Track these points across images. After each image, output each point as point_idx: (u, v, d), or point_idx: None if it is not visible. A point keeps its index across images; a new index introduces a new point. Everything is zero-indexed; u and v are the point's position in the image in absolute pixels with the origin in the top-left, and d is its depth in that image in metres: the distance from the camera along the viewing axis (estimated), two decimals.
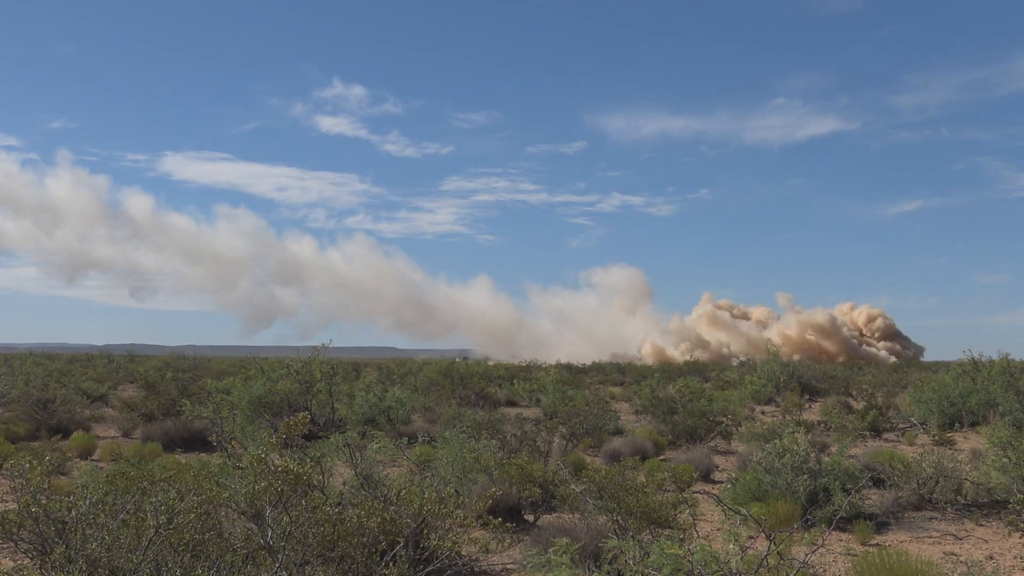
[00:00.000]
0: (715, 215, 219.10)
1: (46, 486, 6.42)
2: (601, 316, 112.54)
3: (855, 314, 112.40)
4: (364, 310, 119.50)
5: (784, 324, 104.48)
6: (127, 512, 5.88)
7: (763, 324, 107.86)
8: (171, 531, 5.55)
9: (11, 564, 6.93)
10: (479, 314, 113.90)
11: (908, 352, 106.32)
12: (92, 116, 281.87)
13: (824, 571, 8.14)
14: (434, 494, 6.84)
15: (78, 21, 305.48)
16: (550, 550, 6.04)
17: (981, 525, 10.11)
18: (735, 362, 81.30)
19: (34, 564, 5.91)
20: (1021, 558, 8.57)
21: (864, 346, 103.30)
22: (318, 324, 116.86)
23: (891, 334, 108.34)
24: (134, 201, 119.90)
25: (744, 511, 6.73)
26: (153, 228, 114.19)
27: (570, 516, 9.40)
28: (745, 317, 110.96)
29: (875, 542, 9.17)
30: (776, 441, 10.76)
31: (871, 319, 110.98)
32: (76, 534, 5.71)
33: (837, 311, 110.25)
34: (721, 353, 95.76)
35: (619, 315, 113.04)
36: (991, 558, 8.56)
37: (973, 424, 19.60)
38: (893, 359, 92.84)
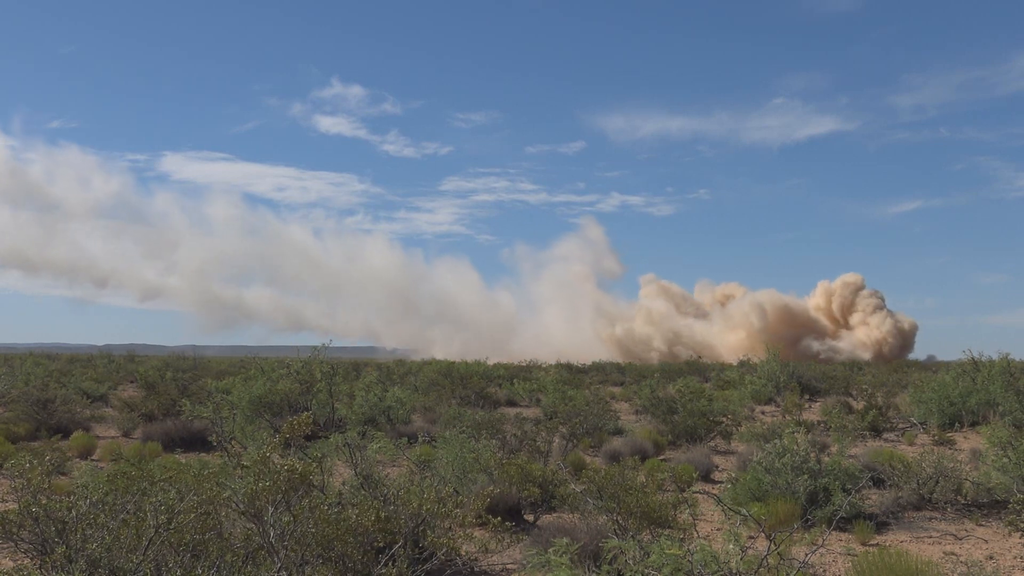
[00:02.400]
0: (714, 215, 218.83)
1: (46, 486, 6.42)
2: (560, 302, 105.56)
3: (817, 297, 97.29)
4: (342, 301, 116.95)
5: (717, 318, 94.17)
6: (127, 512, 5.88)
7: (704, 315, 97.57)
8: (171, 531, 5.55)
9: (11, 564, 6.94)
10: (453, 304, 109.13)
11: (886, 321, 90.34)
12: (91, 116, 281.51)
13: (824, 571, 8.14)
14: (433, 494, 6.85)
15: (77, 21, 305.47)
16: (550, 550, 6.04)
17: (981, 525, 10.11)
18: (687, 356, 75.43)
19: (34, 564, 5.91)
20: (1021, 558, 8.57)
21: (817, 339, 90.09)
22: (283, 325, 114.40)
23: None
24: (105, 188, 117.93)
25: (744, 511, 6.73)
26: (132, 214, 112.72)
27: (570, 516, 9.40)
28: (698, 311, 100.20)
29: (875, 542, 9.17)
30: (776, 441, 10.76)
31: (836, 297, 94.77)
32: (76, 534, 5.72)
33: (766, 296, 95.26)
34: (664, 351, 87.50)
35: (579, 290, 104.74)
36: (991, 558, 8.56)
37: (973, 424, 19.60)
38: (865, 356, 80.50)
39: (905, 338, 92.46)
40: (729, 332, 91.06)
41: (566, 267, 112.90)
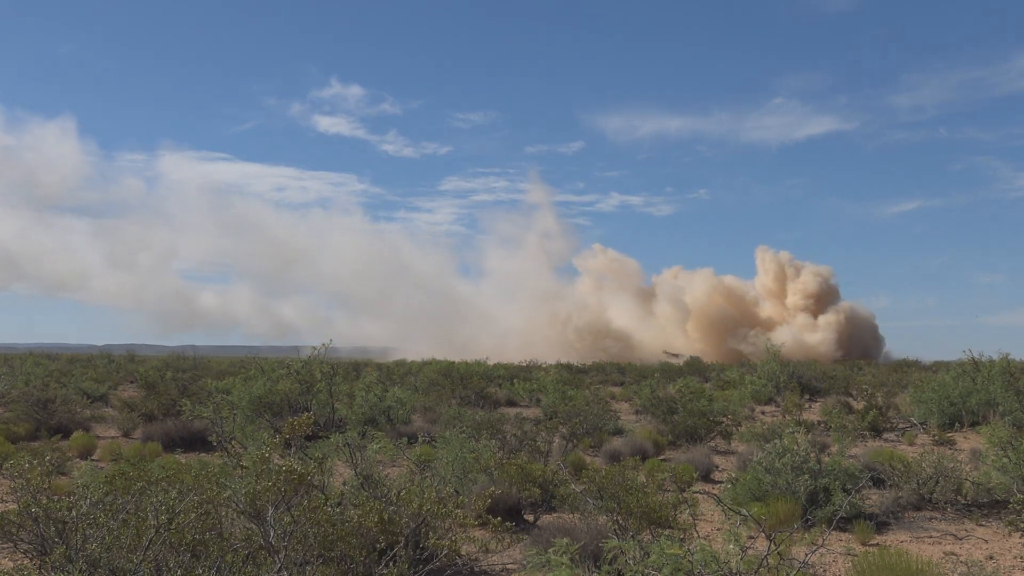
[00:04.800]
0: (714, 215, 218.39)
1: (46, 486, 6.42)
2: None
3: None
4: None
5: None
6: (127, 512, 5.88)
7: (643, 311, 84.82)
8: (171, 531, 5.56)
9: (11, 564, 6.93)
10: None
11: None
12: (89, 115, 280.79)
13: (824, 571, 8.14)
14: (434, 494, 6.85)
15: (75, 20, 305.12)
16: (550, 550, 6.04)
17: (981, 525, 10.11)
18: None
19: (34, 564, 5.91)
20: (1021, 558, 8.57)
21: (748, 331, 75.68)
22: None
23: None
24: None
25: (744, 511, 6.73)
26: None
27: (570, 516, 9.41)
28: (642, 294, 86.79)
29: (875, 542, 9.17)
30: (776, 441, 10.76)
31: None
32: (76, 534, 5.72)
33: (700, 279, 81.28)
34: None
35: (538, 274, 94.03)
36: (991, 558, 8.56)
37: (973, 424, 19.60)
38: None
39: (846, 336, 77.61)
40: (655, 328, 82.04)
41: (515, 248, 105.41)
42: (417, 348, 72.46)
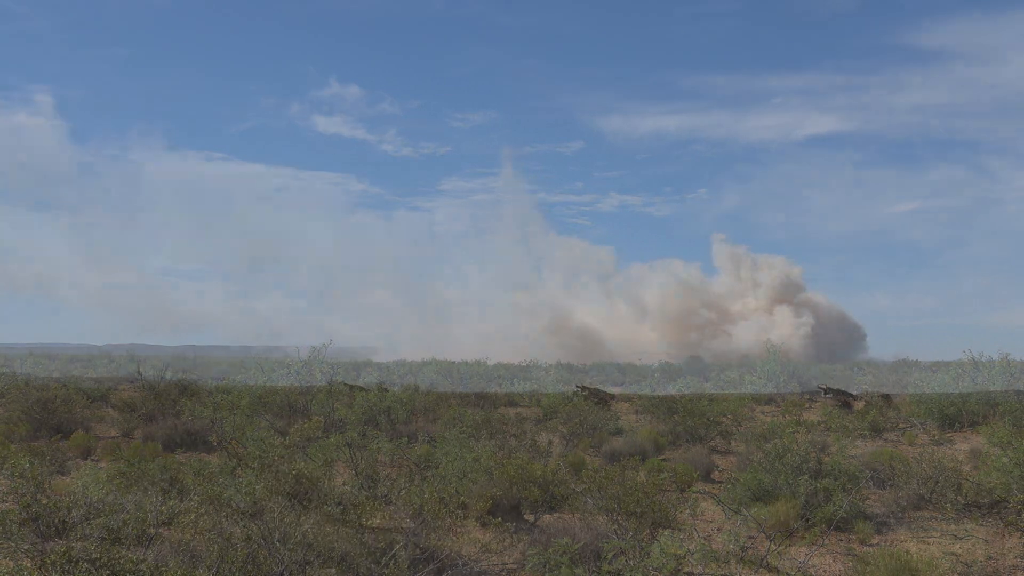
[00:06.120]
0: (713, 215, 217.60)
1: (46, 486, 6.43)
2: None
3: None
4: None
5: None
6: (127, 512, 5.89)
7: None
8: (172, 531, 5.56)
9: (11, 564, 6.93)
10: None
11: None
12: (86, 115, 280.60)
13: (824, 571, 8.14)
14: (434, 494, 6.85)
15: (73, 20, 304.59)
16: (550, 550, 6.04)
17: (981, 525, 10.11)
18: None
19: (34, 564, 5.91)
20: (1021, 558, 8.57)
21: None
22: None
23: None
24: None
25: (744, 511, 6.73)
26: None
27: (570, 516, 9.41)
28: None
29: (875, 542, 9.17)
30: (776, 441, 10.77)
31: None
32: (76, 534, 5.72)
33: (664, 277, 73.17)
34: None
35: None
36: (991, 558, 8.56)
37: (973, 424, 19.61)
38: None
39: (810, 331, 68.97)
40: (620, 327, 75.70)
41: (489, 240, 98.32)
42: (398, 346, 69.80)
